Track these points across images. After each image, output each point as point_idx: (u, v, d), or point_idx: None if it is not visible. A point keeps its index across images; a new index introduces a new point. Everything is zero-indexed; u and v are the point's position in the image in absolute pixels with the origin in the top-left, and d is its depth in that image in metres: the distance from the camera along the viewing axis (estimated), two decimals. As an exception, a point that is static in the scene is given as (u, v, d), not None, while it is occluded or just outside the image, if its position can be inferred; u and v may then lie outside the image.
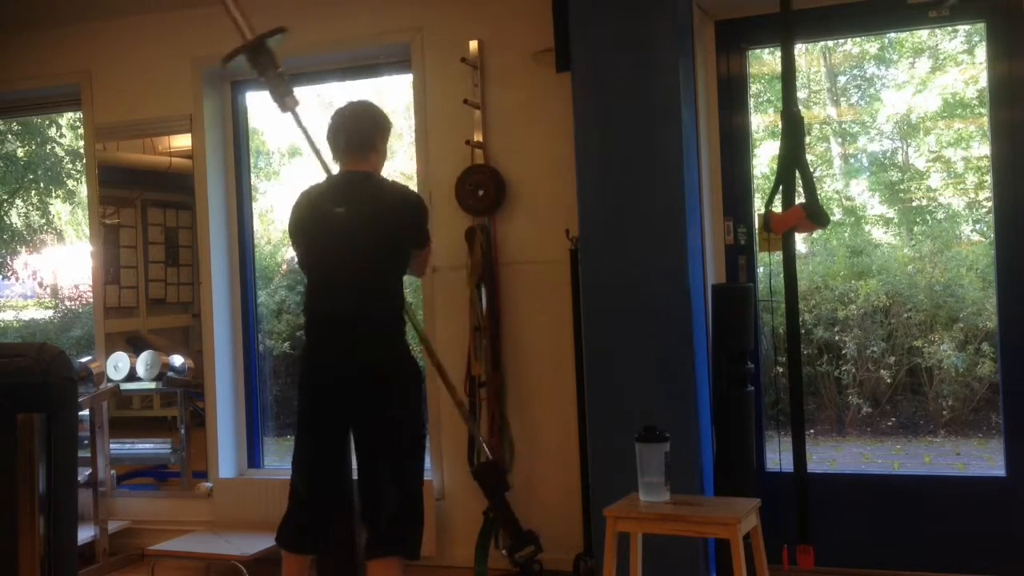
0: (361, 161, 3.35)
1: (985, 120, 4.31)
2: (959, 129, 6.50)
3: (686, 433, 3.54)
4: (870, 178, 6.82)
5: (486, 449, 3.96)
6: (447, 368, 4.39)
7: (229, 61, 3.62)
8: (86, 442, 4.70)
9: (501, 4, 4.33)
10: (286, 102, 3.58)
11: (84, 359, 4.94)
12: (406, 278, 3.44)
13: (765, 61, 5.26)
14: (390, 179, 3.47)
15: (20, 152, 8.78)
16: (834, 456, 5.99)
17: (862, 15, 4.05)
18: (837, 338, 6.15)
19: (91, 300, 5.49)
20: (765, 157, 5.66)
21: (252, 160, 5.25)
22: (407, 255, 3.36)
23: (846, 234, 6.66)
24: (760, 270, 4.21)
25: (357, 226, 3.25)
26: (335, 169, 3.46)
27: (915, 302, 6.07)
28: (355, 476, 3.52)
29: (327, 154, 3.48)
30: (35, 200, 9.09)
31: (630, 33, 3.69)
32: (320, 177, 3.51)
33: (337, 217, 3.26)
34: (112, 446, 4.87)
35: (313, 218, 3.33)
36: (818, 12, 3.94)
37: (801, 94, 6.26)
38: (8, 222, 9.13)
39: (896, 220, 6.80)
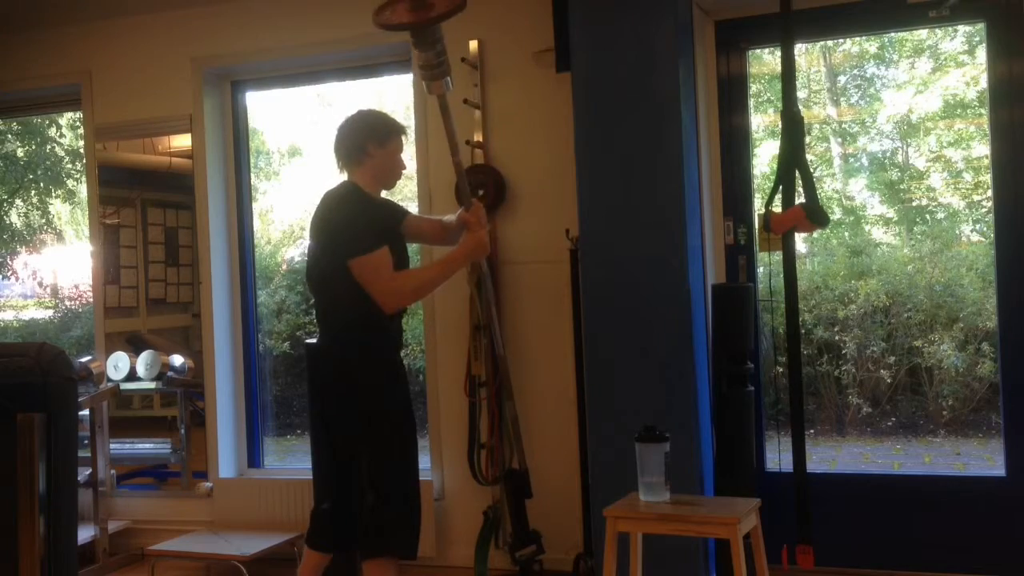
0: (351, 171, 3.35)
1: (985, 120, 4.31)
2: (959, 129, 6.50)
3: (686, 433, 3.54)
4: (870, 178, 6.82)
5: (523, 457, 3.98)
6: (446, 366, 4.41)
7: (388, 25, 3.35)
8: (86, 442, 4.70)
9: (501, 4, 4.33)
10: (431, 86, 3.41)
11: (84, 359, 4.94)
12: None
13: (765, 61, 5.26)
14: (350, 190, 3.30)
15: (20, 152, 8.77)
16: (834, 456, 5.99)
17: (862, 15, 4.05)
18: (837, 338, 6.14)
19: (91, 300, 5.49)
20: (765, 157, 5.66)
21: (252, 160, 5.25)
22: (343, 267, 3.19)
23: (846, 234, 6.66)
24: (760, 270, 4.21)
25: (312, 240, 3.35)
26: (333, 177, 3.48)
27: (915, 302, 6.07)
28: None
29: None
30: (35, 200, 9.07)
31: (630, 33, 3.69)
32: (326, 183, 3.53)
33: (310, 226, 3.39)
34: (112, 446, 4.87)
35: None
36: (818, 12, 3.94)
37: (801, 94, 6.25)
38: (8, 222, 9.12)
39: (896, 220, 6.80)
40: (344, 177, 3.39)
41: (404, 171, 3.45)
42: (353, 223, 3.20)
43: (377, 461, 3.23)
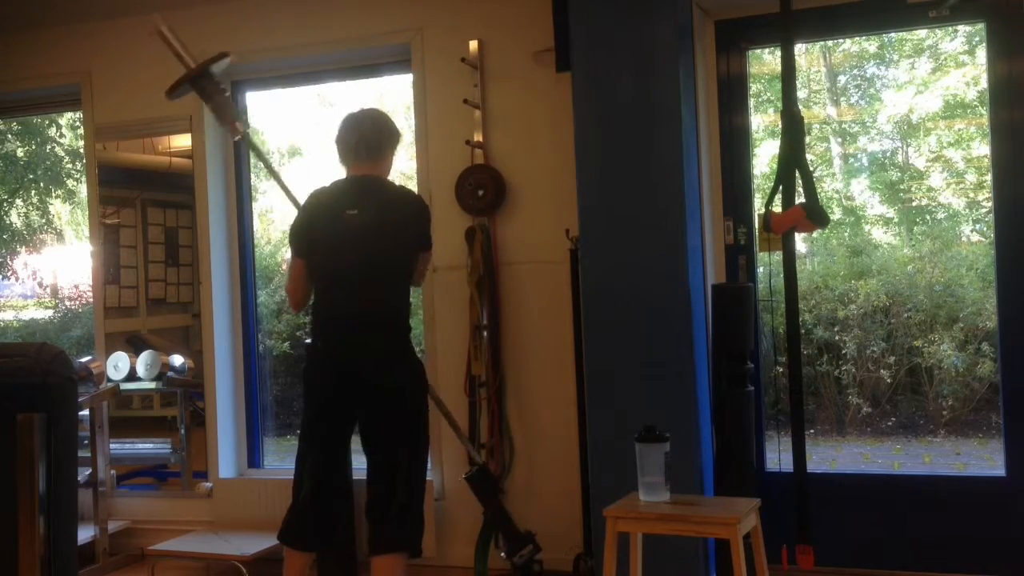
0: (372, 167, 3.42)
1: (985, 120, 4.31)
2: (959, 129, 6.50)
3: (686, 433, 3.54)
4: (870, 178, 6.82)
5: (475, 455, 3.98)
6: (446, 366, 4.41)
7: (173, 94, 3.71)
8: (86, 442, 4.70)
9: (501, 4, 4.33)
10: (236, 127, 3.69)
11: (84, 359, 4.94)
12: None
13: (765, 61, 5.26)
14: (395, 183, 3.53)
15: (20, 152, 8.78)
16: (834, 456, 6.00)
17: (862, 15, 4.05)
18: (837, 338, 6.15)
19: (91, 300, 5.49)
20: (765, 157, 5.66)
21: (252, 160, 5.25)
22: (414, 259, 3.44)
23: (846, 234, 6.67)
24: (760, 270, 4.21)
25: (369, 229, 3.30)
26: (335, 177, 3.50)
27: (915, 302, 6.07)
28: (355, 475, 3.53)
29: (330, 159, 3.55)
30: (35, 200, 9.08)
31: (630, 33, 3.69)
32: (326, 181, 3.53)
33: (349, 219, 3.32)
34: (112, 446, 4.87)
35: (324, 220, 3.38)
36: (818, 12, 3.94)
37: (801, 94, 6.26)
38: (8, 222, 9.13)
39: (896, 220, 6.81)
40: (347, 168, 3.45)
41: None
42: (430, 216, 3.53)
43: (409, 460, 3.31)
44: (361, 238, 3.30)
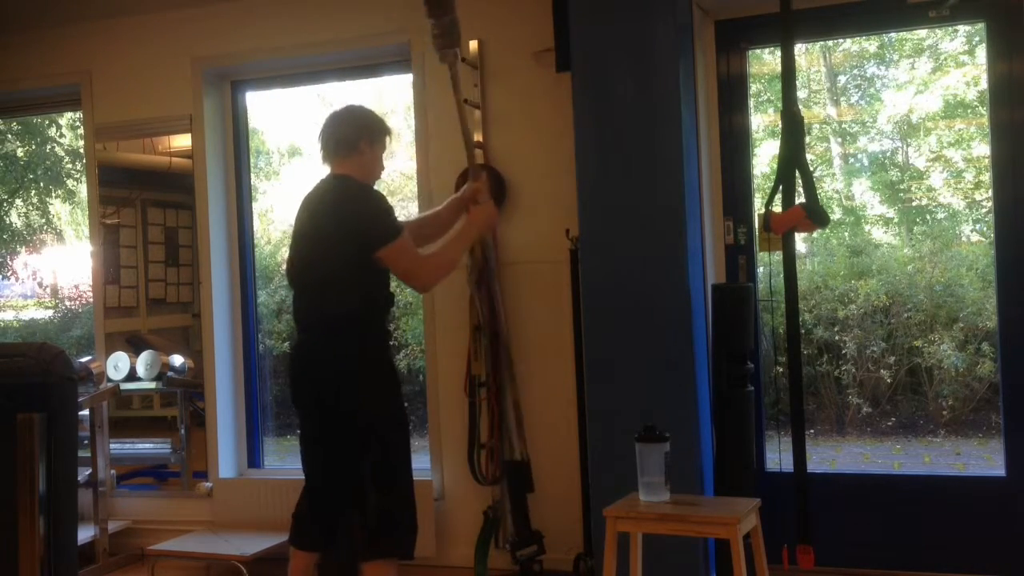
0: (338, 163, 3.34)
1: (985, 120, 4.31)
2: (959, 129, 6.50)
3: (686, 433, 3.54)
4: (870, 178, 6.82)
5: (525, 448, 4.03)
6: (446, 366, 4.41)
7: None
8: (86, 442, 4.70)
9: (501, 4, 4.33)
10: (451, 55, 3.53)
11: (84, 359, 4.94)
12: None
13: (765, 61, 5.26)
14: (358, 183, 3.31)
15: (20, 152, 8.77)
16: (834, 456, 6.00)
17: (862, 15, 4.05)
18: (837, 338, 6.15)
19: (91, 300, 5.49)
20: (765, 157, 5.66)
21: (252, 160, 5.25)
22: (353, 257, 3.19)
23: (846, 234, 6.67)
24: (760, 270, 4.21)
25: (303, 235, 3.31)
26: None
27: (915, 302, 6.07)
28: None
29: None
30: (35, 200, 9.08)
31: (630, 33, 3.69)
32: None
33: (298, 223, 3.35)
34: (112, 446, 4.87)
35: (294, 225, 3.42)
36: (818, 12, 3.94)
37: (801, 94, 6.26)
38: (8, 222, 9.13)
39: (896, 220, 6.81)
40: (327, 168, 3.37)
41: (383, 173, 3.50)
42: (379, 212, 3.23)
43: (384, 463, 3.24)
44: (297, 245, 3.34)
